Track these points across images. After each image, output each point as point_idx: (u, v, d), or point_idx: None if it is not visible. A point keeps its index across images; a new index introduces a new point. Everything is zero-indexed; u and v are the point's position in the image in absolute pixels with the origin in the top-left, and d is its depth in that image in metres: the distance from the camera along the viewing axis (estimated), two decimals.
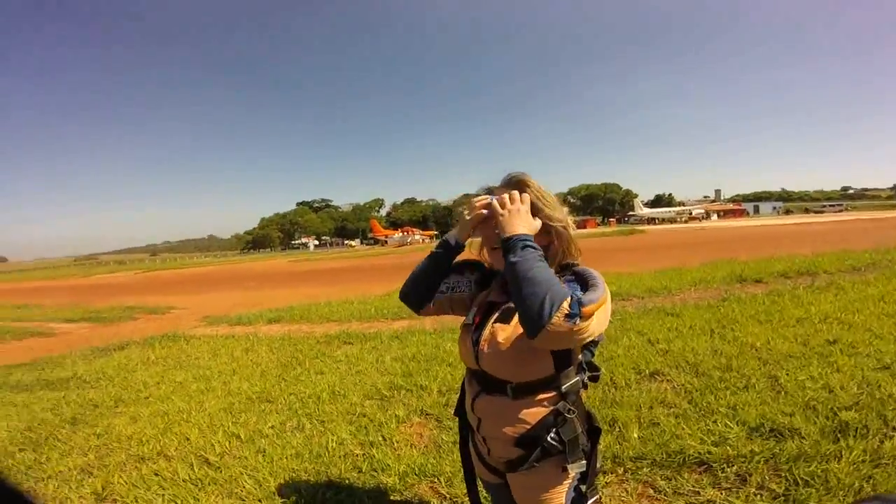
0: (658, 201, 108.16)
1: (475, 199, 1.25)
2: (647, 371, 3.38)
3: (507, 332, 1.19)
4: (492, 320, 1.24)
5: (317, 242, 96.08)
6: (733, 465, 2.12)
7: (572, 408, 1.22)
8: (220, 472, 2.58)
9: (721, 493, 1.97)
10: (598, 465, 1.32)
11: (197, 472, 2.60)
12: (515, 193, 1.18)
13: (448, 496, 2.20)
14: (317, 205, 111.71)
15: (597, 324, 1.02)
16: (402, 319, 6.72)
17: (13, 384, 4.69)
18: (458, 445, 1.56)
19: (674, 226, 54.51)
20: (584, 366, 1.28)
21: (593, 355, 1.31)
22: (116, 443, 3.08)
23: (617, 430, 2.54)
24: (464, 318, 1.37)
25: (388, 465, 2.47)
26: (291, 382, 4.13)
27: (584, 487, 1.28)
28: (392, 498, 2.23)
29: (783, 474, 2.03)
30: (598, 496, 1.33)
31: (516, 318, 1.15)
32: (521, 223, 1.13)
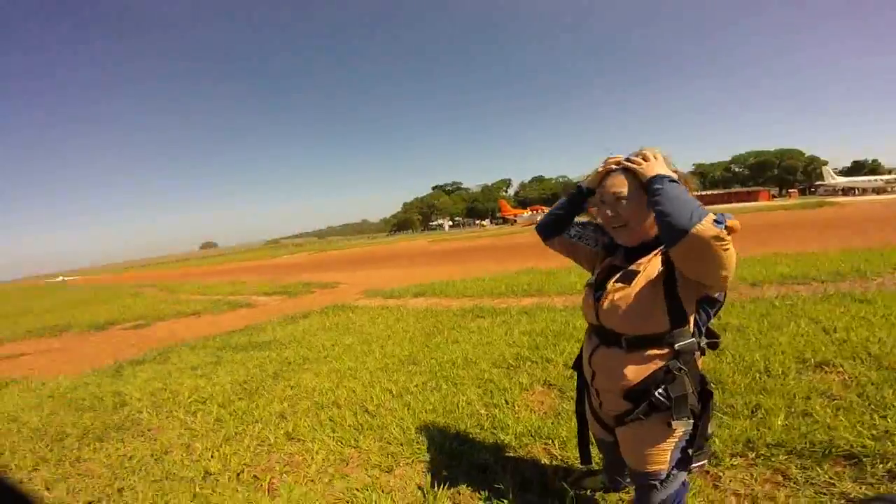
0: (857, 169, 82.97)
1: (610, 157, 1.39)
2: (812, 361, 3.03)
3: (626, 290, 1.30)
4: (613, 280, 1.36)
5: (451, 223, 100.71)
6: (888, 462, 1.91)
7: (683, 367, 1.29)
8: (376, 419, 3.01)
9: (860, 487, 1.83)
10: (708, 431, 1.39)
11: (359, 418, 3.05)
12: (651, 149, 1.31)
13: (560, 457, 2.32)
14: (449, 188, 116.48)
15: (732, 252, 1.13)
16: (532, 296, 6.85)
17: (233, 345, 5.95)
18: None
19: (881, 196, 41.51)
20: (701, 329, 1.33)
21: (710, 318, 1.34)
22: (304, 393, 3.67)
23: (759, 416, 2.40)
24: (579, 265, 1.65)
25: (508, 424, 2.67)
26: (433, 349, 4.60)
27: (690, 450, 1.35)
28: (507, 454, 2.41)
29: None
30: (703, 462, 1.41)
31: (636, 279, 1.29)
32: (661, 167, 1.25)
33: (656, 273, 1.27)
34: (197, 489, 2.35)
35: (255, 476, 2.48)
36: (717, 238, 1.08)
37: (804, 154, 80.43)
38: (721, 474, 2.03)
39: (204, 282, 21.79)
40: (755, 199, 57.20)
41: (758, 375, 2.90)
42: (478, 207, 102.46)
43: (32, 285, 55.35)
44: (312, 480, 2.38)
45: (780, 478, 1.97)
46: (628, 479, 1.67)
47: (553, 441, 2.46)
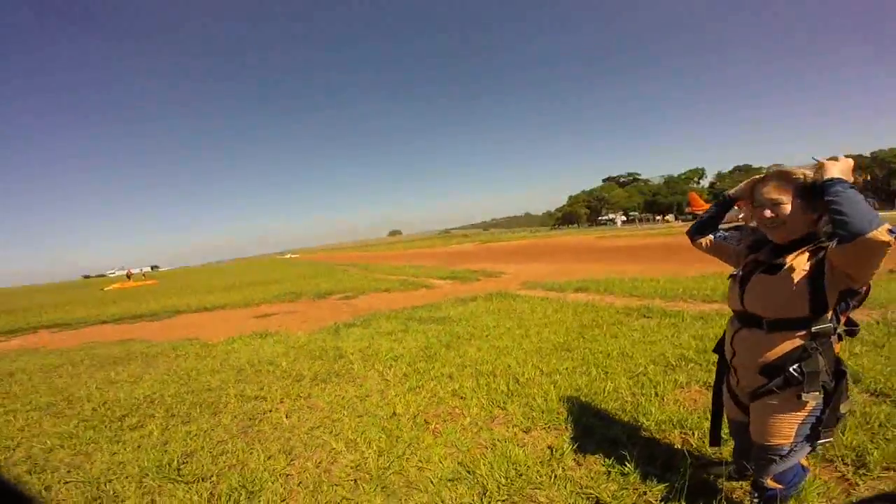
0: None
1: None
2: None
3: (770, 281, 1.52)
4: (759, 272, 1.57)
5: (624, 218, 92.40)
6: None
7: (818, 347, 1.46)
8: (524, 389, 3.43)
9: None
10: (840, 411, 1.51)
11: (510, 387, 3.50)
12: (825, 159, 1.42)
13: (695, 447, 2.36)
14: (623, 179, 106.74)
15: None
16: (714, 303, 6.15)
17: (417, 318, 7.07)
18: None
19: None
20: (839, 316, 1.49)
21: (849, 308, 1.49)
22: (468, 362, 4.25)
23: None
24: (722, 262, 1.87)
25: (650, 412, 2.76)
26: (588, 340, 4.73)
27: (820, 427, 1.51)
28: (643, 435, 2.53)
29: None
30: (831, 439, 1.58)
31: (781, 271, 1.48)
32: (838, 172, 1.35)
33: (803, 267, 1.46)
34: (384, 424, 3.05)
35: (426, 420, 3.08)
36: (887, 245, 1.24)
37: None
38: (859, 483, 1.99)
39: (392, 264, 25.64)
40: None
41: None
42: (659, 201, 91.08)
43: (273, 259, 73.58)
44: (465, 429, 2.88)
45: None
46: (753, 466, 1.72)
47: (693, 432, 2.51)
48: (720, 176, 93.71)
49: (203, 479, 2.56)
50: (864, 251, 1.27)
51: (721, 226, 1.89)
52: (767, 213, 1.52)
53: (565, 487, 2.12)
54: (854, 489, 1.97)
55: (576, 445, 2.47)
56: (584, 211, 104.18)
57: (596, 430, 2.63)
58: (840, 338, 1.52)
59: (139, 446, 3.10)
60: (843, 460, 2.15)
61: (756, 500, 1.67)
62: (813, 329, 1.46)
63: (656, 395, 3.08)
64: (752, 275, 1.60)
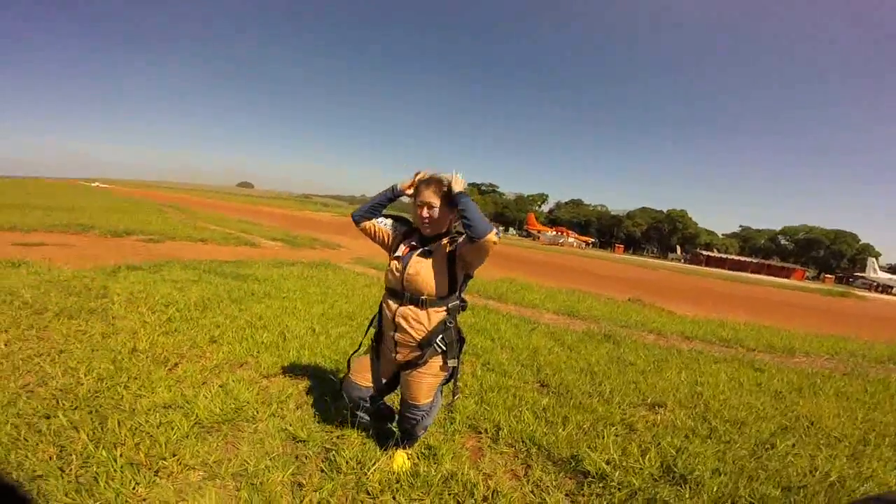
0: None
1: (420, 171, 2.02)
2: (648, 400, 3.58)
3: (425, 264, 1.92)
4: (416, 254, 1.96)
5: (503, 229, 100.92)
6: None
7: (453, 320, 1.94)
8: (286, 343, 3.77)
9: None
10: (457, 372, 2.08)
11: (274, 340, 3.82)
12: (456, 175, 1.92)
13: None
14: (484, 187, 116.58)
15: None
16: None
17: (217, 271, 6.73)
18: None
19: None
20: (461, 296, 2.00)
21: (464, 289, 2.02)
22: (248, 317, 4.38)
23: (568, 425, 2.70)
24: (375, 243, 2.16)
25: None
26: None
27: (455, 385, 2.10)
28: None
29: None
30: (459, 395, 2.51)
31: (432, 256, 1.93)
32: (462, 186, 1.88)
33: (443, 253, 1.94)
34: (117, 357, 3.05)
35: (166, 357, 3.17)
36: (495, 244, 1.79)
37: (858, 241, 77.12)
38: (486, 452, 2.52)
39: (224, 215, 23.14)
40: (788, 276, 55.41)
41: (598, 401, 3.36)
42: (507, 215, 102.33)
43: (73, 185, 58.78)
44: (206, 369, 3.08)
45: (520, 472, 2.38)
46: (405, 422, 2.16)
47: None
48: (558, 204, 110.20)
49: None
50: (484, 247, 1.79)
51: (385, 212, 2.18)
52: (425, 212, 1.93)
53: (272, 423, 2.50)
54: (481, 458, 2.44)
55: (305, 393, 2.89)
56: None
57: (329, 384, 3.03)
58: (463, 309, 2.02)
59: None
60: (486, 432, 2.70)
61: (407, 444, 2.25)
62: (449, 305, 1.92)
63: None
64: (410, 258, 1.94)
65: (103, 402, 2.50)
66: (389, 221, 2.15)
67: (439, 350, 1.93)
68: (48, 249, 7.53)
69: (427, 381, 2.00)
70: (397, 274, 1.95)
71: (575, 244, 64.50)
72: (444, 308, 1.92)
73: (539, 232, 72.33)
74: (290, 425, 2.50)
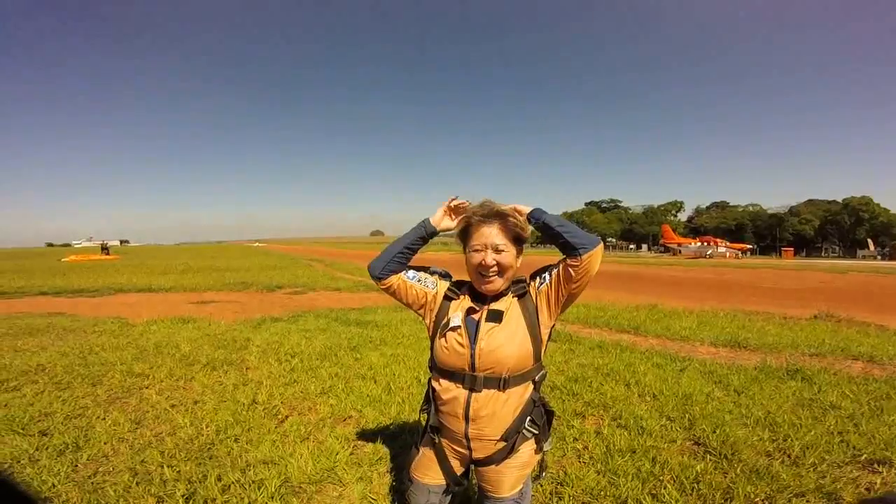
0: None
1: (460, 201, 1.56)
2: None
3: (499, 332, 1.41)
4: (483, 320, 1.44)
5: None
6: None
7: (539, 394, 1.52)
8: (391, 396, 3.42)
9: None
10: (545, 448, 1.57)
11: (379, 393, 3.50)
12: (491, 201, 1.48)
13: None
14: (605, 205, 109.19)
15: None
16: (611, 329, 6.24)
17: (344, 319, 7.32)
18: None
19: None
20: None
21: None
22: (361, 366, 4.42)
23: None
24: (405, 306, 1.62)
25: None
26: None
27: (543, 464, 1.62)
28: None
29: None
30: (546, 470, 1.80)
31: (504, 319, 1.42)
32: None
33: (518, 312, 1.44)
34: (238, 409, 3.29)
35: (278, 409, 3.29)
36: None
37: None
38: None
39: (359, 264, 25.63)
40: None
41: None
42: (636, 230, 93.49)
43: (243, 246, 72.18)
44: (311, 423, 3.07)
45: None
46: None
47: None
48: (698, 210, 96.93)
49: (44, 434, 2.84)
50: (593, 265, 1.36)
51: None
52: (490, 258, 1.41)
53: (357, 489, 2.32)
54: None
55: (396, 457, 2.61)
56: None
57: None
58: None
59: (6, 404, 3.34)
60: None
61: None
62: (536, 378, 1.47)
63: None
64: (478, 327, 1.43)
65: (215, 454, 2.65)
66: (425, 276, 1.62)
67: (529, 435, 1.48)
68: (216, 306, 9.07)
69: (515, 474, 1.50)
70: (462, 351, 1.42)
71: (728, 254, 54.86)
72: (531, 381, 1.47)
73: (679, 245, 63.46)
74: (374, 493, 2.30)
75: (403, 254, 1.57)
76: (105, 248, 46.86)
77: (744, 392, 3.69)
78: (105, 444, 2.75)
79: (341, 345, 5.29)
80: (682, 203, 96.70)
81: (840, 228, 73.62)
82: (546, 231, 1.43)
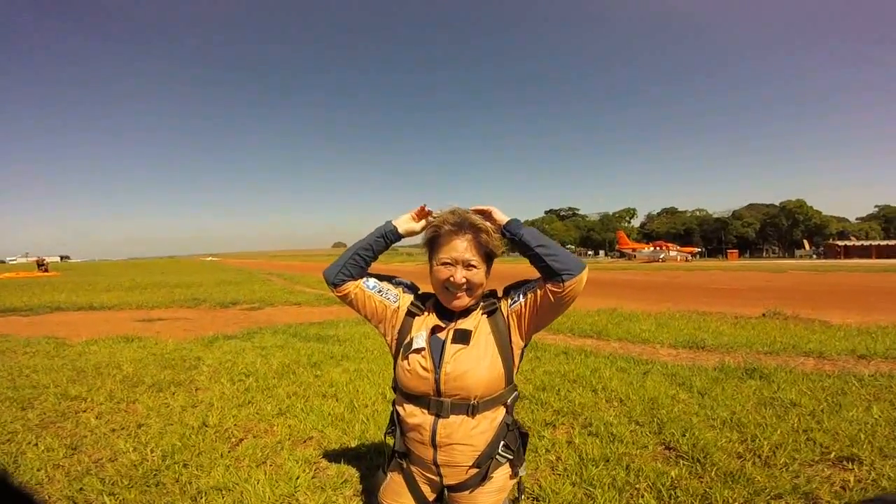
0: None
1: (430, 210, 1.42)
2: None
3: (467, 354, 1.28)
4: (448, 341, 1.30)
5: None
6: None
7: (513, 419, 1.38)
8: (354, 414, 3.23)
9: None
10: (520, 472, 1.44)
11: (342, 411, 3.32)
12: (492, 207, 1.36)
13: None
14: (563, 213, 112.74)
15: None
16: (589, 337, 6.31)
17: (303, 335, 7.01)
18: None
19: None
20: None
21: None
22: (321, 383, 4.21)
23: None
24: (369, 322, 1.47)
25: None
26: None
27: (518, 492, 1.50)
28: None
29: None
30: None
31: (472, 340, 1.29)
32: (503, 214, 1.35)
33: (487, 331, 1.32)
34: (186, 433, 3.03)
35: (231, 433, 3.04)
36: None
37: None
38: None
39: (321, 276, 24.89)
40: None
41: None
42: (593, 237, 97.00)
43: (196, 261, 68.88)
44: (267, 447, 2.83)
45: None
46: None
47: None
48: (650, 216, 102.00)
49: None
50: (574, 292, 1.23)
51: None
52: (460, 275, 1.28)
53: None
54: None
55: (361, 479, 2.46)
56: None
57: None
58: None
59: None
60: None
61: None
62: (508, 401, 1.35)
63: None
64: (442, 348, 1.30)
65: (162, 480, 2.44)
66: (388, 286, 1.47)
67: (503, 461, 1.35)
68: (164, 324, 8.48)
69: (491, 499, 1.37)
70: (426, 375, 1.28)
71: (678, 258, 57.96)
72: (503, 405, 1.34)
73: (634, 250, 66.51)
74: None
75: (361, 256, 1.42)
76: (42, 265, 42.93)
77: (707, 393, 3.76)
78: (38, 471, 2.52)
79: (300, 361, 5.03)
80: (634, 210, 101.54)
81: (778, 230, 79.79)
82: (523, 249, 1.29)
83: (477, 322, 1.33)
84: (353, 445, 2.89)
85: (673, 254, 59.85)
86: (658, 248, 62.84)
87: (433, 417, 1.28)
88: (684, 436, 2.88)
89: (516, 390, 1.40)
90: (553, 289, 1.24)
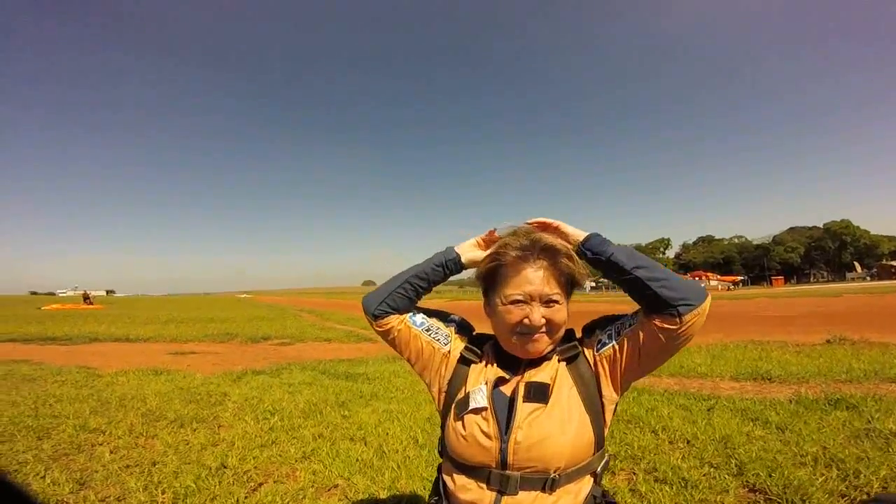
0: None
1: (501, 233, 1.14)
2: None
3: (546, 415, 0.97)
4: (520, 398, 0.99)
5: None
6: None
7: (600, 488, 1.04)
8: (383, 461, 2.96)
9: None
10: None
11: (370, 457, 3.07)
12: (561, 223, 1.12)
13: None
14: None
15: None
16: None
17: (332, 372, 6.82)
18: None
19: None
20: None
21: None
22: (349, 424, 3.98)
23: None
24: (412, 367, 1.19)
25: None
26: None
27: None
28: None
29: None
30: None
31: (551, 394, 0.99)
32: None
33: (569, 384, 1.02)
34: (203, 474, 2.81)
35: (250, 476, 2.81)
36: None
37: None
38: None
39: (353, 314, 24.91)
40: None
41: None
42: None
43: (230, 297, 71.22)
44: (288, 494, 2.58)
45: None
46: None
47: None
48: (685, 246, 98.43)
49: None
50: (694, 328, 0.95)
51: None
52: (536, 315, 0.98)
53: None
54: None
55: None
56: None
57: None
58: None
59: None
60: None
61: None
62: (598, 470, 1.04)
63: None
64: (513, 407, 0.99)
65: None
66: (438, 324, 1.19)
67: None
68: (195, 357, 8.50)
69: None
70: (489, 444, 0.97)
71: (720, 287, 55.15)
72: (590, 475, 1.01)
73: None
74: None
75: (413, 286, 1.15)
76: (87, 298, 45.34)
77: (787, 428, 3.35)
78: None
79: (328, 400, 4.79)
80: (668, 240, 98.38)
81: (825, 253, 75.05)
82: (614, 274, 1.01)
83: (554, 373, 1.03)
84: (382, 497, 2.59)
85: (713, 283, 57.01)
86: (697, 279, 60.03)
87: (494, 494, 0.96)
88: (771, 476, 2.49)
89: (607, 455, 1.07)
90: (664, 325, 0.94)
